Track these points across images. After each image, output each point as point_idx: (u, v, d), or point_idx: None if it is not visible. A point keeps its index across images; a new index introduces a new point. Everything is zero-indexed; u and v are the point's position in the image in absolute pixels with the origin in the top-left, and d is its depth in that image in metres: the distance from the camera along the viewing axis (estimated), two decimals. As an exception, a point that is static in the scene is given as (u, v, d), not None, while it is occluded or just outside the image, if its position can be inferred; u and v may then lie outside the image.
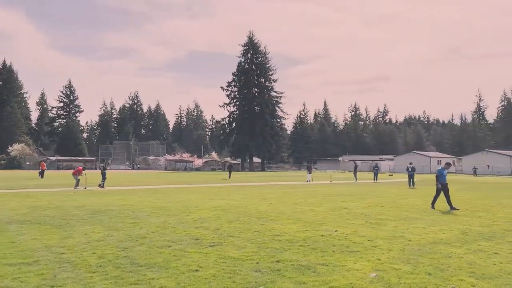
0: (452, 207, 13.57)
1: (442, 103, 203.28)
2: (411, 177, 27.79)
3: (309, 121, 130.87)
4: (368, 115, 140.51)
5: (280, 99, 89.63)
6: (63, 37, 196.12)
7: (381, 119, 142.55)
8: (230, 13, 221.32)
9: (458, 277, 5.64)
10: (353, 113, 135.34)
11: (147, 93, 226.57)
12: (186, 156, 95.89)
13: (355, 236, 8.66)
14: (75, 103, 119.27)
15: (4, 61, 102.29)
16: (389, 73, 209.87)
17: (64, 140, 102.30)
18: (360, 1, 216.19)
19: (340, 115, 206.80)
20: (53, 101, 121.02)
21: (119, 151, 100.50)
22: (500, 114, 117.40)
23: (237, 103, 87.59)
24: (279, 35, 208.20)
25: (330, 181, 34.98)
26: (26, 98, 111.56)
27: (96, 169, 76.93)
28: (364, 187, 26.54)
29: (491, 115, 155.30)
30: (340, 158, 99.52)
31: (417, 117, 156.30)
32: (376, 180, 35.17)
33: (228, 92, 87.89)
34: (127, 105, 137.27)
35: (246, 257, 6.67)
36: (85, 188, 23.07)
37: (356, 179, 36.15)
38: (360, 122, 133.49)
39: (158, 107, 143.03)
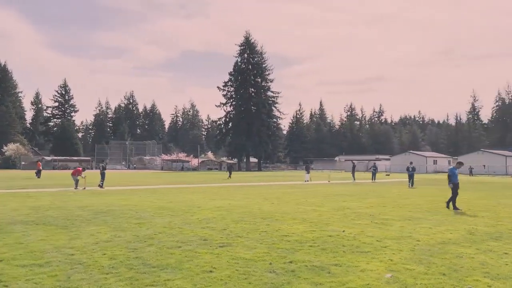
0: (455, 208, 13.61)
1: (437, 103, 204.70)
2: (411, 177, 27.87)
3: (305, 121, 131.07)
4: (364, 115, 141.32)
5: (276, 99, 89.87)
6: (58, 37, 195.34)
7: (376, 119, 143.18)
8: (226, 13, 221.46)
9: (473, 277, 5.65)
10: (348, 113, 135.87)
11: (143, 93, 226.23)
12: (182, 156, 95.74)
13: (363, 236, 8.66)
14: (70, 103, 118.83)
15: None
16: (385, 73, 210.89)
17: (59, 140, 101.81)
18: (355, 1, 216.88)
19: (336, 115, 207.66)
20: (48, 101, 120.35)
21: (115, 151, 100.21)
22: (495, 114, 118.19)
23: (234, 103, 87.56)
24: (274, 35, 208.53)
25: (329, 181, 35.03)
26: (20, 98, 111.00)
27: (92, 169, 76.65)
28: (363, 187, 26.59)
29: (485, 115, 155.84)
30: (337, 158, 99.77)
31: (412, 117, 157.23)
32: (375, 180, 35.26)
33: (225, 92, 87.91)
34: (123, 105, 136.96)
35: (258, 258, 6.64)
36: (84, 188, 22.95)
37: (354, 179, 36.23)
38: (355, 122, 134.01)
39: (153, 106, 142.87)
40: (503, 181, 39.65)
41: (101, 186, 24.02)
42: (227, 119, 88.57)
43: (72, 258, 6.54)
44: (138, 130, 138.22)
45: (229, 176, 40.98)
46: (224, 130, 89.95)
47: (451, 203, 13.81)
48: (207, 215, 11.94)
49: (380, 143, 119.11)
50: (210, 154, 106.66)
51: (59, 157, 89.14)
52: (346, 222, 10.64)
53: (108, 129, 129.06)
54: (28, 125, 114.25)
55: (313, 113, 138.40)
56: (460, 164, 14.75)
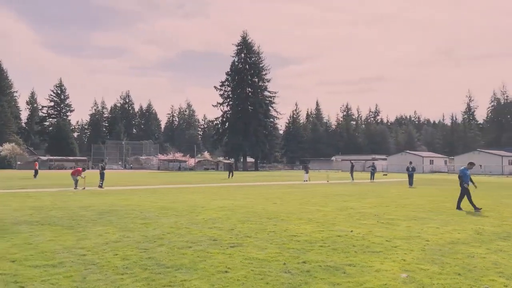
0: (458, 207, 13.70)
1: (432, 103, 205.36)
2: (410, 176, 27.96)
3: (301, 121, 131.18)
4: (360, 115, 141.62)
5: (273, 98, 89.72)
6: (54, 36, 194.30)
7: (372, 119, 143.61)
8: (225, 13, 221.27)
9: (488, 277, 5.67)
10: (345, 113, 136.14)
11: (139, 93, 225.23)
12: (178, 155, 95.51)
13: (372, 236, 8.67)
14: (66, 102, 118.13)
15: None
16: (381, 73, 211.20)
17: (55, 140, 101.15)
18: (355, 1, 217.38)
19: (332, 115, 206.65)
20: (43, 100, 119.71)
21: (111, 151, 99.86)
22: (490, 114, 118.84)
23: (231, 102, 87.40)
24: (274, 35, 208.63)
25: (327, 181, 35.08)
26: (16, 97, 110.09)
27: (88, 168, 76.30)
28: (362, 187, 26.65)
29: (481, 115, 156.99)
30: (333, 158, 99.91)
31: (408, 117, 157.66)
32: (373, 179, 35.36)
33: (222, 92, 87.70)
34: (119, 105, 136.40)
35: (271, 258, 6.63)
36: (84, 188, 22.84)
37: (353, 179, 36.31)
38: (352, 122, 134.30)
39: (149, 106, 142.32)
40: (500, 181, 39.87)
41: (100, 186, 23.90)
42: (224, 119, 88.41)
43: (84, 258, 6.50)
44: (134, 130, 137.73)
45: (231, 176, 40.95)
46: (221, 130, 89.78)
47: (457, 203, 13.90)
48: (212, 215, 11.92)
49: (376, 143, 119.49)
50: (206, 154, 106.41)
51: (55, 157, 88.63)
52: (352, 222, 10.65)
53: (104, 129, 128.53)
54: (23, 124, 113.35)
55: (309, 113, 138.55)
56: (471, 164, 14.40)
